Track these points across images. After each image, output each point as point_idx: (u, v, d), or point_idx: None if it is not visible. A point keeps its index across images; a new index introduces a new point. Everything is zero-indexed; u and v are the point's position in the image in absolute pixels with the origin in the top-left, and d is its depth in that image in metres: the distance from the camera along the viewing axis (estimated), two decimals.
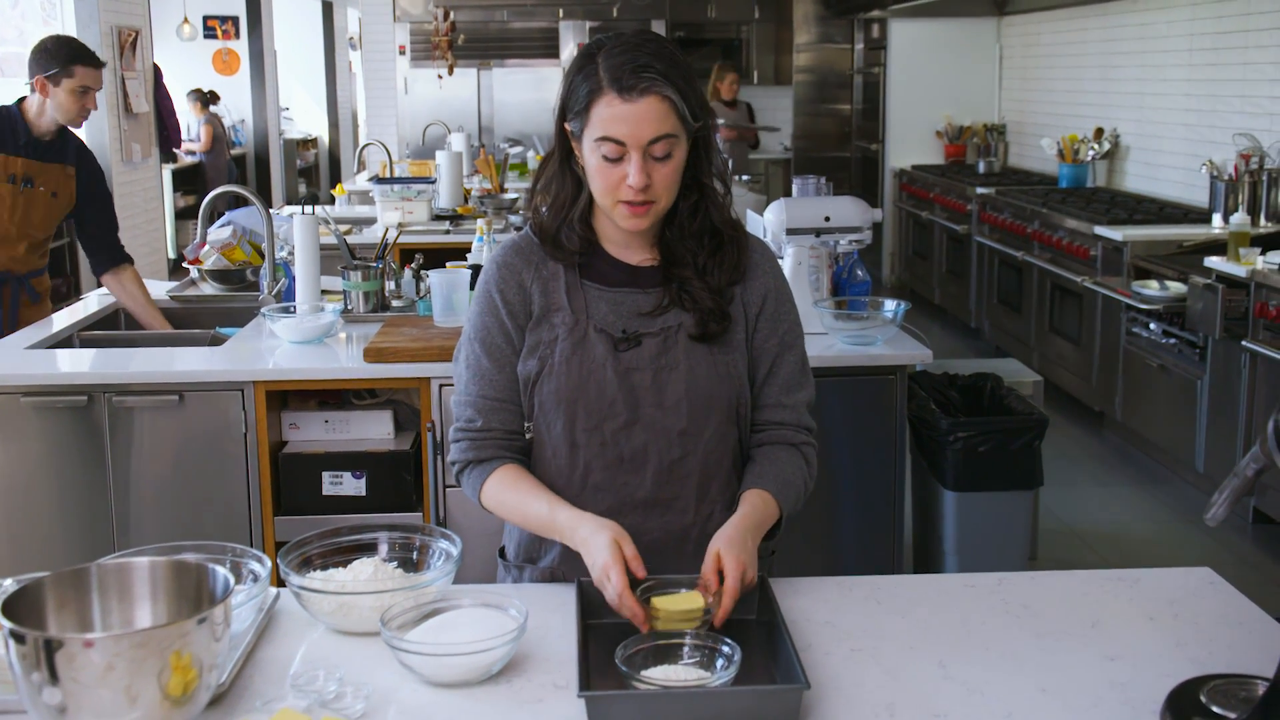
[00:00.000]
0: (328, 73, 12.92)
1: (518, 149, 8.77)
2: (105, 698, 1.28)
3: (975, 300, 7.56)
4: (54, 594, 1.42)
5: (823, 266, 3.46)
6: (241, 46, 11.73)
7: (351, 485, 3.11)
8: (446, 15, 9.29)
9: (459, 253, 4.32)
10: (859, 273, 3.61)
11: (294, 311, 3.39)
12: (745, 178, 7.54)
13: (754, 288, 1.89)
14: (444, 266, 3.66)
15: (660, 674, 1.49)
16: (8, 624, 1.29)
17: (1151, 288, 5.03)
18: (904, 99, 9.23)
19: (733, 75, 9.05)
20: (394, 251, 3.86)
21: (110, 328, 3.80)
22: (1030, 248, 6.58)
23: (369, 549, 1.79)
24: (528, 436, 1.86)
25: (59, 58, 3.65)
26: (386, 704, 1.49)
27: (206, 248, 4.13)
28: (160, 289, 4.10)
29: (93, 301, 3.93)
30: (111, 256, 3.83)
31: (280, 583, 1.73)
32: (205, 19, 12.14)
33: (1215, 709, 1.40)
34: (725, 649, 1.52)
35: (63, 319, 3.66)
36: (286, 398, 3.21)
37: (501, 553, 1.99)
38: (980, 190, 7.44)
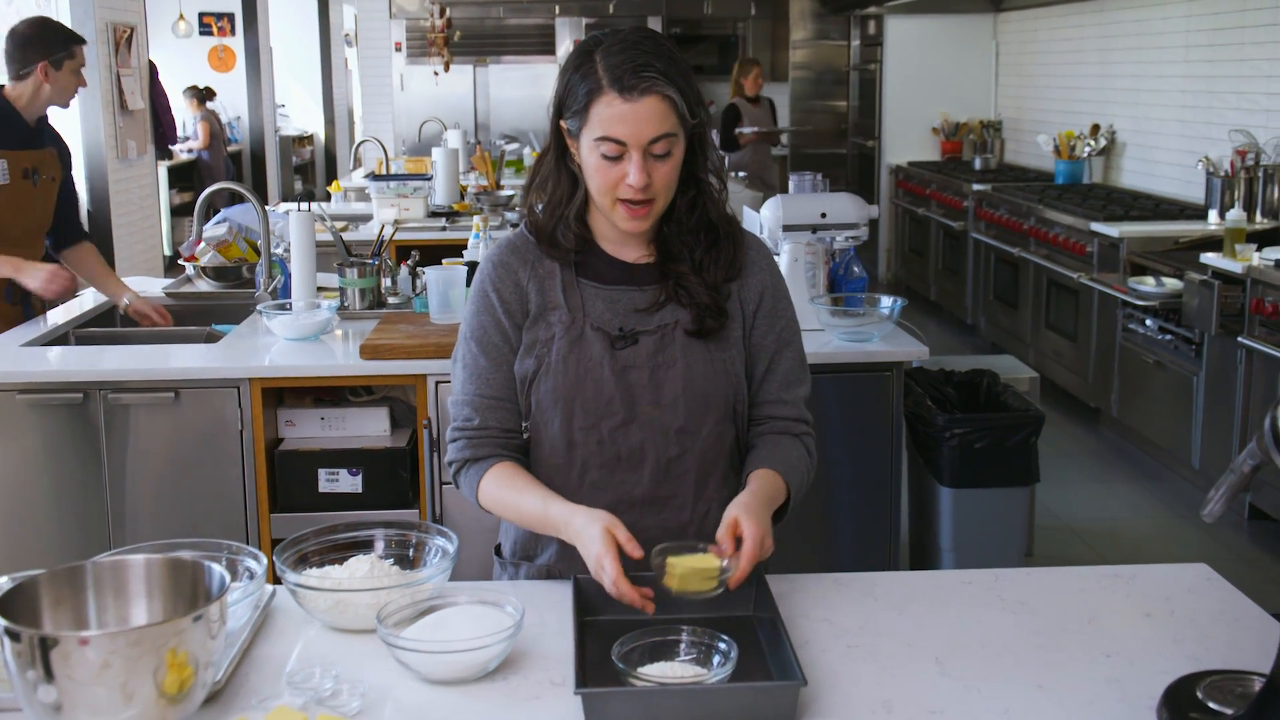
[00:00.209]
0: (324, 69, 12.90)
1: (514, 146, 8.76)
2: (101, 695, 1.28)
3: (971, 297, 7.56)
4: (49, 591, 1.42)
5: (819, 263, 3.46)
6: (237, 43, 11.70)
7: (348, 482, 3.11)
8: (442, 12, 9.28)
9: (455, 249, 4.31)
10: (855, 269, 3.61)
11: (290, 308, 3.39)
12: (742, 174, 7.54)
13: (751, 284, 1.89)
14: (440, 263, 3.66)
15: (657, 671, 1.49)
16: (3, 622, 1.29)
17: (1147, 284, 5.03)
18: (900, 95, 9.23)
19: (757, 69, 8.69)
20: (390, 248, 3.86)
21: (106, 325, 3.79)
22: (1026, 244, 6.58)
23: (365, 546, 1.79)
24: (525, 435, 1.86)
25: (59, 40, 3.61)
26: (383, 701, 1.49)
27: (202, 245, 4.13)
28: (156, 286, 4.10)
29: (88, 299, 3.92)
30: (75, 233, 3.81)
31: (276, 580, 1.73)
32: (201, 15, 12.12)
33: (1211, 705, 1.41)
34: (722, 645, 1.52)
35: (58, 316, 3.66)
36: (282, 395, 3.21)
37: (497, 550, 1.99)
38: (976, 187, 7.44)
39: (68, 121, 6.68)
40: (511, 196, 5.73)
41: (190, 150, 10.85)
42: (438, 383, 3.04)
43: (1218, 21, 5.86)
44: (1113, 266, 5.50)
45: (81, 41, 3.69)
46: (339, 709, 1.45)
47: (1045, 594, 1.79)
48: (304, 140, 13.19)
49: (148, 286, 4.07)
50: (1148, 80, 6.59)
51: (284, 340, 3.26)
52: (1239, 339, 4.43)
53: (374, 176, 6.27)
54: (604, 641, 1.54)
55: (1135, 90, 6.74)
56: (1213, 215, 5.43)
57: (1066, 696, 1.49)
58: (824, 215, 3.37)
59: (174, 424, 3.07)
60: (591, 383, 1.80)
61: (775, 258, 2.05)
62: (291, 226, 3.54)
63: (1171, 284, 4.92)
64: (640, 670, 1.49)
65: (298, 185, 12.71)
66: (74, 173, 3.88)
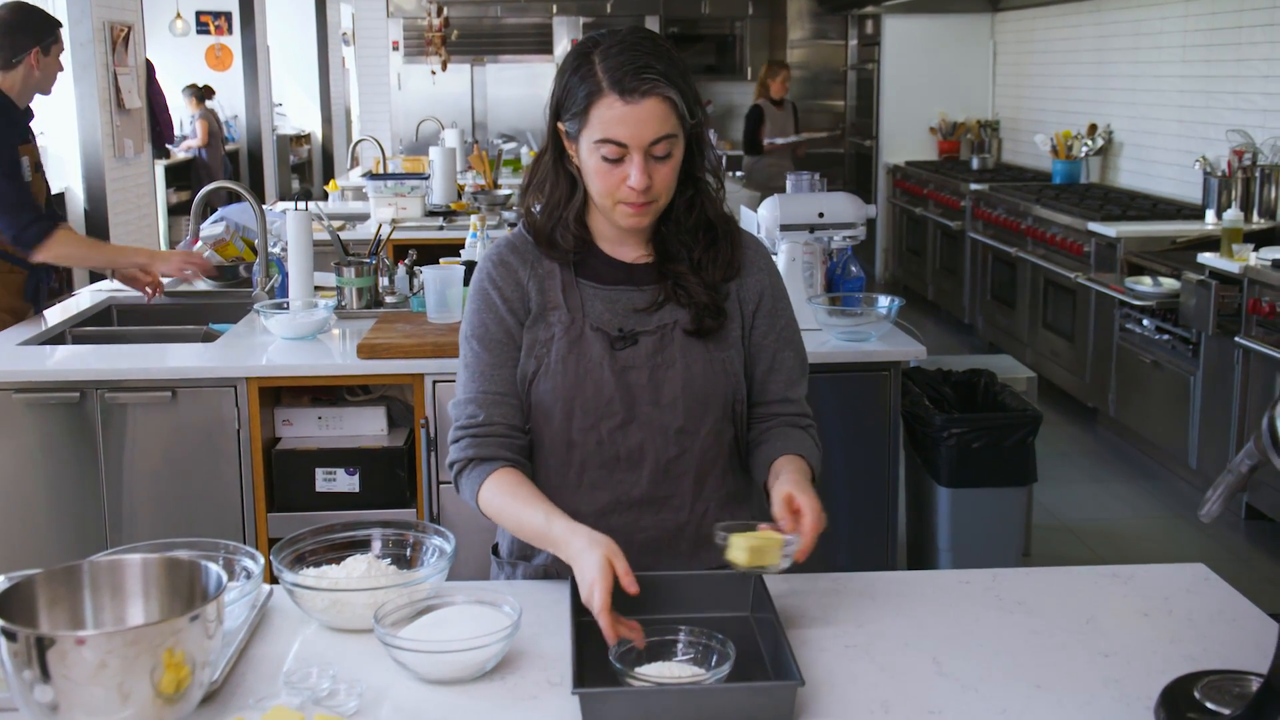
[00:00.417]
0: (321, 68, 12.88)
1: (511, 145, 8.76)
2: (98, 695, 1.27)
3: (969, 296, 7.56)
4: (46, 591, 1.42)
5: (816, 263, 3.46)
6: (234, 42, 11.68)
7: (345, 482, 3.10)
8: (440, 11, 9.27)
9: (452, 249, 4.31)
10: (853, 269, 3.61)
11: (287, 308, 3.38)
12: (740, 174, 7.53)
13: (750, 284, 1.89)
14: (437, 262, 3.66)
15: (654, 671, 1.49)
16: None
17: (1145, 284, 5.03)
18: (898, 95, 9.24)
19: (786, 73, 8.54)
20: (387, 247, 3.85)
21: (103, 324, 3.79)
22: (1024, 244, 6.58)
23: (362, 546, 1.79)
24: (527, 436, 1.85)
25: (47, 24, 3.57)
26: (380, 701, 1.48)
27: (199, 244, 4.12)
28: None
29: (85, 298, 3.92)
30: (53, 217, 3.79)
31: (273, 579, 1.73)
32: (198, 14, 12.10)
33: (1209, 705, 1.41)
34: (719, 645, 1.51)
35: (55, 315, 3.65)
36: (280, 394, 3.20)
37: (495, 550, 1.98)
38: (974, 186, 7.44)
39: (64, 120, 6.68)
40: (509, 196, 5.72)
41: (189, 149, 10.84)
42: (435, 382, 3.04)
43: (1215, 21, 5.86)
44: (1110, 266, 5.50)
45: (60, 24, 3.67)
46: (336, 709, 1.45)
47: (1043, 594, 1.79)
48: (301, 139, 13.17)
49: None
50: (1145, 80, 6.59)
51: (281, 339, 3.25)
52: (1236, 339, 4.44)
53: (371, 176, 6.26)
54: (601, 641, 1.53)
55: (1133, 90, 6.74)
56: (1210, 215, 5.44)
57: (1064, 696, 1.49)
58: (821, 215, 3.37)
59: (171, 423, 3.07)
60: (591, 383, 1.79)
61: (773, 257, 2.04)
62: (289, 225, 3.54)
63: (1169, 284, 4.93)
64: (638, 670, 1.49)
65: (295, 184, 12.69)
66: (72, 171, 3.86)
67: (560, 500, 1.76)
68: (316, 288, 3.58)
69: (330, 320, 3.36)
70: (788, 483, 1.72)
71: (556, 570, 1.85)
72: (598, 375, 1.80)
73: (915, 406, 3.61)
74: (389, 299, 3.63)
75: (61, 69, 3.67)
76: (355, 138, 11.04)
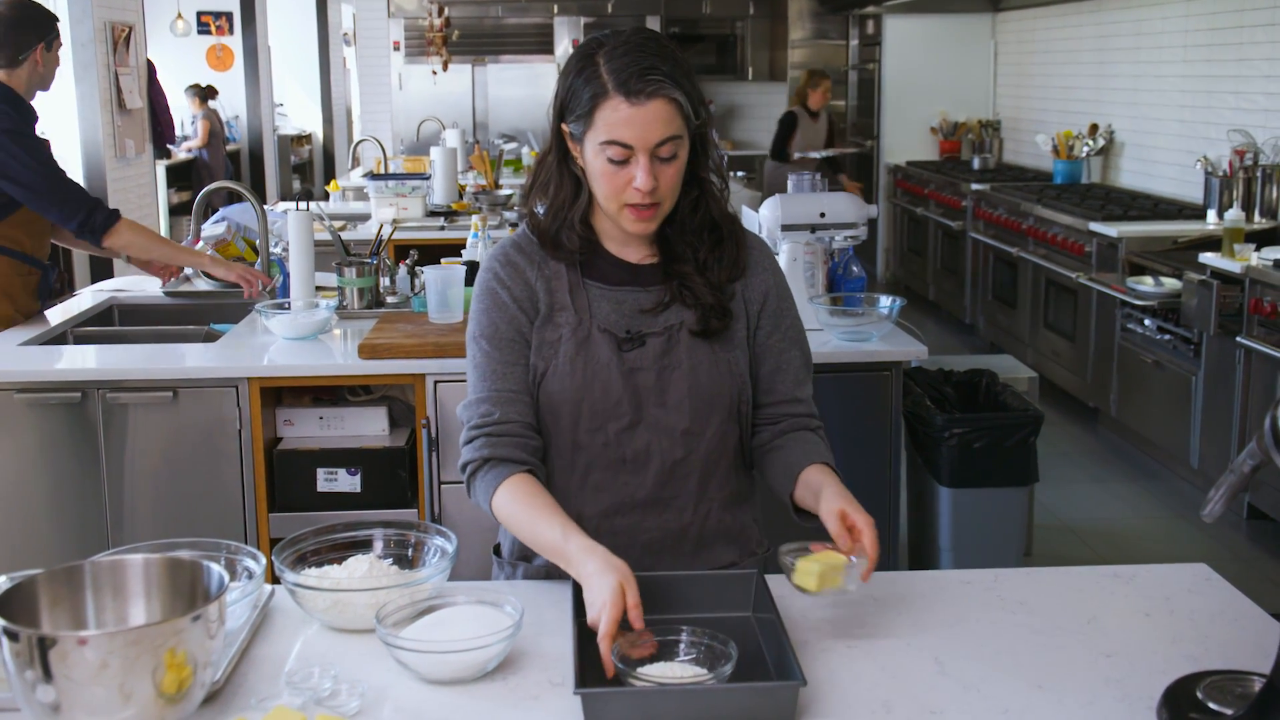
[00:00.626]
0: (322, 69, 12.88)
1: (512, 145, 8.76)
2: (99, 695, 1.27)
3: (970, 296, 7.56)
4: (48, 591, 1.42)
5: (818, 262, 3.46)
6: (235, 42, 11.68)
7: (346, 482, 3.10)
8: (441, 11, 9.27)
9: (454, 249, 4.31)
10: (854, 269, 3.61)
11: (288, 308, 3.39)
12: (741, 174, 7.53)
13: (755, 284, 1.89)
14: (439, 263, 3.65)
15: (656, 671, 1.49)
16: (1, 621, 1.28)
17: (1146, 284, 5.03)
18: (899, 95, 9.23)
19: (827, 84, 8.30)
20: (388, 248, 3.85)
21: (104, 324, 3.79)
22: (1025, 244, 6.58)
23: (364, 546, 1.79)
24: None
25: (48, 20, 3.55)
26: (382, 701, 1.48)
27: (200, 244, 4.12)
28: (154, 285, 4.09)
29: (86, 298, 3.92)
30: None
31: (275, 580, 1.73)
32: (199, 14, 12.10)
33: (1211, 705, 1.40)
34: (721, 645, 1.51)
35: (56, 315, 3.65)
36: (281, 394, 3.20)
37: (496, 550, 1.98)
38: (975, 186, 7.44)
39: (65, 120, 6.68)
40: (510, 196, 5.72)
41: (189, 149, 10.84)
42: (436, 382, 3.04)
43: (1216, 21, 5.86)
44: (1111, 266, 5.50)
45: (59, 19, 3.67)
46: (338, 709, 1.45)
47: (1045, 594, 1.79)
48: (302, 139, 13.18)
49: (146, 286, 4.07)
50: (1146, 80, 6.59)
51: (282, 340, 3.26)
52: (1237, 339, 4.44)
53: (372, 176, 6.26)
54: None
55: (1134, 90, 6.74)
56: (1211, 215, 5.44)
57: (1066, 696, 1.49)
58: (823, 215, 3.36)
59: (172, 423, 3.07)
60: (599, 385, 1.79)
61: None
62: (290, 226, 3.54)
63: (1170, 284, 4.92)
64: (640, 670, 1.48)
65: (296, 184, 12.70)
66: (73, 171, 3.86)
67: (564, 502, 1.75)
68: (318, 288, 3.58)
69: (331, 320, 3.36)
70: (837, 498, 1.71)
71: (558, 570, 1.85)
72: (606, 377, 1.79)
73: (916, 406, 3.61)
74: (390, 299, 3.63)
75: (59, 64, 3.66)
76: (356, 138, 11.05)
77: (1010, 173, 8.04)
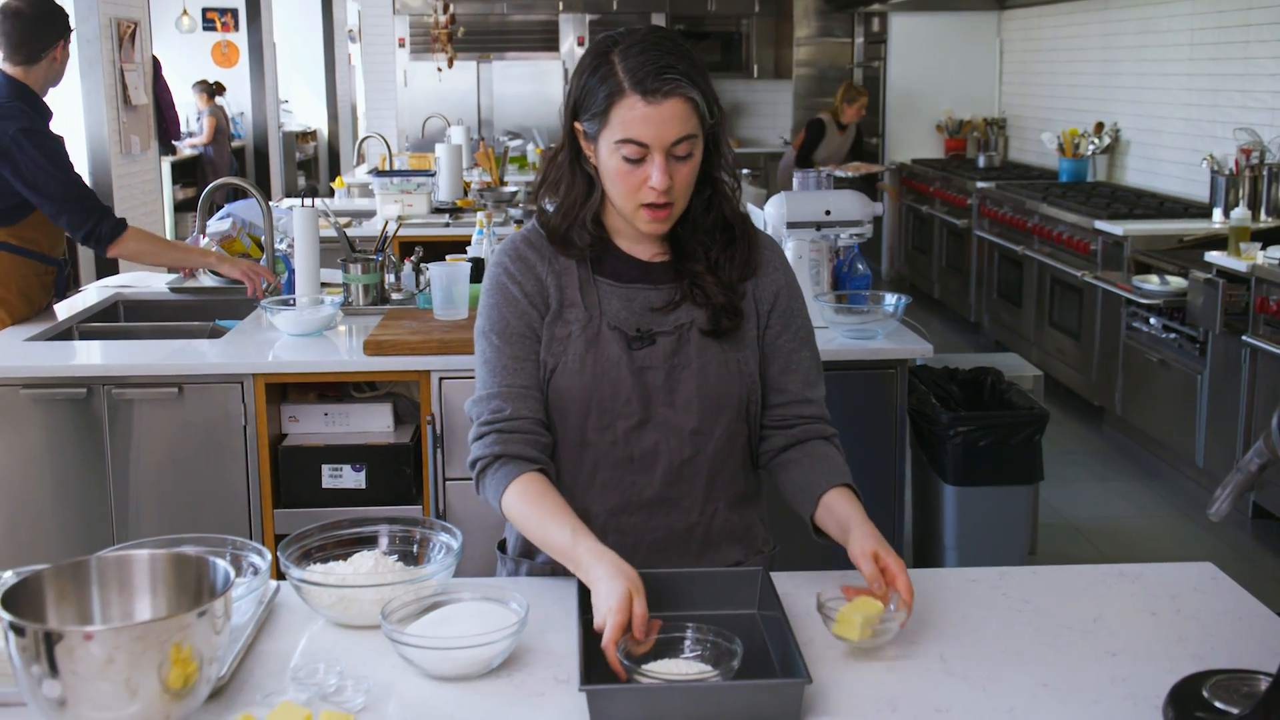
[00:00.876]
0: (327, 65, 12.89)
1: (517, 142, 8.75)
2: (105, 690, 1.28)
3: (975, 295, 7.55)
4: (54, 586, 1.42)
5: (823, 260, 3.46)
6: (240, 39, 11.68)
7: (351, 478, 3.11)
8: (446, 8, 9.27)
9: (459, 246, 4.31)
10: (859, 266, 3.61)
11: (293, 304, 3.39)
12: (746, 171, 7.51)
13: (766, 284, 1.88)
14: (444, 259, 3.65)
15: (662, 668, 1.49)
16: (7, 616, 1.29)
17: (1152, 282, 5.02)
18: (904, 93, 9.22)
19: (862, 100, 8.08)
20: (394, 244, 3.85)
21: (110, 320, 3.79)
22: (1030, 242, 6.57)
23: (369, 542, 1.79)
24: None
25: (63, 16, 3.55)
26: (387, 697, 1.48)
27: (206, 240, 4.12)
28: (160, 281, 4.10)
29: (92, 294, 3.92)
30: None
31: (280, 576, 1.73)
32: (204, 11, 12.11)
33: (1218, 704, 1.40)
34: (727, 643, 1.51)
35: (62, 311, 3.65)
36: (286, 390, 3.20)
37: (501, 546, 1.98)
38: (980, 184, 7.43)
39: (71, 117, 6.68)
40: (515, 192, 5.72)
41: (194, 146, 10.85)
42: (441, 379, 3.04)
43: (1222, 19, 5.85)
44: (1117, 265, 5.49)
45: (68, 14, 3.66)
46: (343, 705, 1.45)
47: (1050, 592, 1.78)
48: (307, 136, 13.19)
49: (152, 282, 4.07)
50: (1152, 78, 6.58)
51: (287, 336, 3.26)
52: (1243, 337, 4.43)
53: (377, 172, 6.26)
54: None
55: (1139, 88, 6.73)
56: (1217, 214, 5.43)
57: (1071, 695, 1.49)
58: (828, 212, 3.36)
59: (178, 419, 3.07)
60: (609, 383, 1.78)
61: None
62: (295, 222, 3.54)
63: (1176, 282, 4.92)
64: (645, 667, 1.48)
65: (301, 181, 12.71)
66: (78, 167, 3.86)
67: (571, 499, 1.75)
68: (323, 284, 3.58)
69: (336, 317, 3.36)
70: (869, 538, 1.69)
71: (562, 567, 1.84)
72: (615, 375, 1.78)
73: (921, 404, 3.60)
74: (395, 295, 3.63)
75: (69, 60, 3.66)
76: (361, 134, 11.05)
77: (1015, 171, 8.03)
